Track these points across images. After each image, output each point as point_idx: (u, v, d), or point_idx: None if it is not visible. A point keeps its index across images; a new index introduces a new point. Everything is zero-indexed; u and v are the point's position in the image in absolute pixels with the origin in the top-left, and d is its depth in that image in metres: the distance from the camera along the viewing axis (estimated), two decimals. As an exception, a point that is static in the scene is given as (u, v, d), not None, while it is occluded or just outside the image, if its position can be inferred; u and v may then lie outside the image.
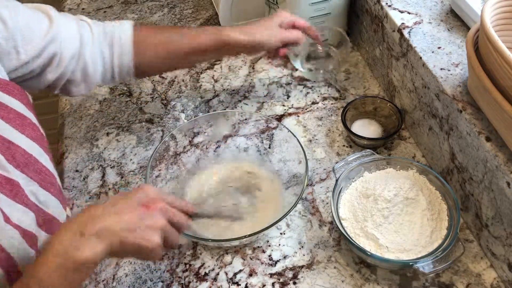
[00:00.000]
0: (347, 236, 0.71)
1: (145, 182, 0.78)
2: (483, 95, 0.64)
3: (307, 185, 0.83)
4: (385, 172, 0.78)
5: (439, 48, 0.79)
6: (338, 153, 0.89)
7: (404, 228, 0.71)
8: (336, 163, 0.78)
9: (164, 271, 0.75)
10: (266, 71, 1.05)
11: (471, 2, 0.78)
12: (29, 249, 0.58)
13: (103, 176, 0.88)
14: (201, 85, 1.03)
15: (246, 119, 0.87)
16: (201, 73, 1.05)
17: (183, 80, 1.04)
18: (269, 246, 0.77)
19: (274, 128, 0.85)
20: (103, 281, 0.75)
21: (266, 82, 1.02)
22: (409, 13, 0.86)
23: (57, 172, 0.90)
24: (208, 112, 0.97)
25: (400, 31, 0.83)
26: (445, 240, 0.69)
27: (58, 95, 1.06)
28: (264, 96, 1.00)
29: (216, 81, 1.03)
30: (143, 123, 0.97)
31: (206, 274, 0.75)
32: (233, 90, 1.01)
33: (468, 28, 0.81)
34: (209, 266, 0.76)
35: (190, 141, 0.86)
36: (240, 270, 0.75)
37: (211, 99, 1.00)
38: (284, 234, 0.78)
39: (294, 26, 0.86)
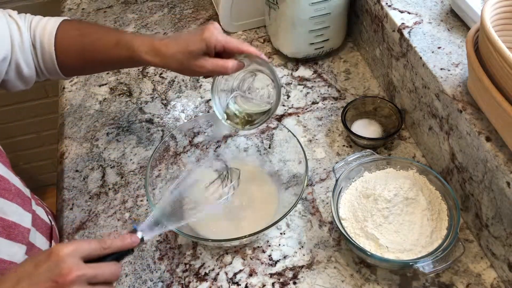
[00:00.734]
0: (347, 236, 0.71)
1: (145, 182, 0.78)
2: (483, 95, 0.64)
3: (307, 185, 0.83)
4: (385, 172, 0.78)
5: (439, 48, 0.79)
6: (338, 153, 0.89)
7: (404, 228, 0.71)
8: (336, 163, 0.78)
9: (164, 271, 0.75)
10: (266, 71, 1.05)
11: (471, 2, 0.78)
12: None
13: (103, 176, 0.88)
14: (201, 85, 1.03)
15: (246, 119, 0.87)
16: (201, 73, 1.05)
17: (183, 80, 1.04)
18: (269, 246, 0.77)
19: (274, 128, 0.85)
20: (103, 281, 0.75)
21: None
22: (409, 13, 0.86)
23: (57, 172, 0.90)
24: (208, 112, 0.97)
25: (400, 31, 0.83)
26: (445, 240, 0.69)
27: (58, 95, 1.06)
28: (264, 96, 1.00)
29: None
30: (143, 123, 0.97)
31: (206, 274, 0.75)
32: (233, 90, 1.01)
33: (468, 28, 0.81)
34: (209, 266, 0.76)
35: (190, 141, 0.86)
36: (240, 270, 0.75)
37: (211, 99, 1.00)
38: (284, 234, 0.79)
39: (224, 50, 0.71)
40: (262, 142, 0.86)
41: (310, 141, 0.91)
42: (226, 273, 0.75)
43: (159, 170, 0.81)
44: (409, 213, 0.72)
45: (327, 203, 0.82)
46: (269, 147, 0.86)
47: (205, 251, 0.77)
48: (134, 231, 0.57)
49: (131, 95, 1.03)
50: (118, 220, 0.82)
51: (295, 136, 0.80)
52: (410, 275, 0.72)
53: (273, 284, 0.73)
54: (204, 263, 0.76)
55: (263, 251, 0.77)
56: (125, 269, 0.76)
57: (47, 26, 0.75)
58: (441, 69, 0.75)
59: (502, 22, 0.65)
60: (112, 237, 0.55)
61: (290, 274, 0.74)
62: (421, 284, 0.71)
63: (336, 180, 0.75)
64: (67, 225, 0.82)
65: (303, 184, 0.75)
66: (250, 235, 0.70)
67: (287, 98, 0.99)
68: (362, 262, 0.74)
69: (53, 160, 0.94)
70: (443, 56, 0.77)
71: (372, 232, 0.71)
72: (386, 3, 0.88)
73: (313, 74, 1.04)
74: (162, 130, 0.95)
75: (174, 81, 1.04)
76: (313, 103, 0.97)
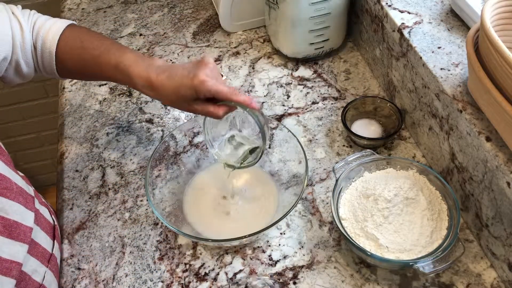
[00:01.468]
0: (347, 236, 0.71)
1: (145, 182, 0.78)
2: (483, 95, 0.64)
3: (307, 185, 0.83)
4: (385, 172, 0.78)
5: (439, 48, 0.79)
6: (338, 153, 0.89)
7: (404, 228, 0.71)
8: (336, 163, 0.78)
9: (164, 271, 0.75)
10: (266, 71, 1.05)
11: (471, 2, 0.78)
12: None
13: (103, 176, 0.88)
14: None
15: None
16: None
17: (183, 80, 1.04)
18: (269, 246, 0.77)
19: (274, 128, 0.85)
20: (103, 281, 0.75)
21: (266, 82, 1.02)
22: (409, 13, 0.86)
23: (57, 172, 0.90)
24: (208, 112, 0.97)
25: (400, 31, 0.83)
26: (445, 240, 0.69)
27: (58, 95, 1.06)
28: (264, 96, 1.00)
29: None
30: (143, 123, 0.97)
31: (206, 274, 0.75)
32: (233, 90, 1.01)
33: (468, 28, 0.81)
34: (209, 266, 0.76)
35: (190, 141, 0.86)
36: (240, 270, 0.75)
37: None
38: (284, 234, 0.79)
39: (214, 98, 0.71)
40: (262, 142, 0.86)
41: (310, 141, 0.91)
42: (226, 273, 0.75)
43: (159, 170, 0.81)
44: (409, 213, 0.72)
45: (327, 203, 0.82)
46: (269, 147, 0.86)
47: (205, 251, 0.77)
48: None
49: (131, 95, 1.03)
50: (118, 220, 0.82)
51: (295, 136, 0.80)
52: (410, 275, 0.72)
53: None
54: (204, 263, 0.76)
55: (263, 251, 0.77)
56: (125, 269, 0.76)
57: (50, 31, 0.75)
58: (441, 69, 0.75)
59: (502, 22, 0.65)
60: None
61: (290, 274, 0.74)
62: (421, 284, 0.71)
63: (336, 180, 0.75)
64: (67, 225, 0.82)
65: (303, 184, 0.75)
66: (250, 235, 0.70)
67: (287, 98, 0.99)
68: (362, 262, 0.74)
69: (53, 160, 0.94)
70: (443, 56, 0.77)
71: (372, 232, 0.71)
72: (386, 3, 0.88)
73: (313, 74, 1.04)
74: (162, 130, 0.95)
75: (174, 81, 1.04)
76: (313, 103, 0.97)
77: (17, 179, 0.66)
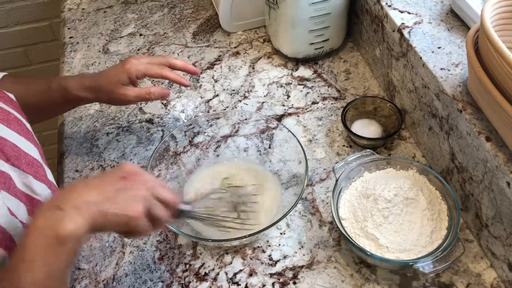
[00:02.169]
0: (347, 236, 0.71)
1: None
2: (483, 95, 0.64)
3: (307, 185, 0.83)
4: (385, 172, 0.78)
5: (439, 48, 0.79)
6: (338, 153, 0.89)
7: (404, 228, 0.71)
8: (336, 163, 0.78)
9: (164, 271, 0.75)
10: (266, 71, 1.05)
11: (471, 2, 0.78)
12: None
13: (103, 176, 0.88)
14: (201, 85, 1.03)
15: (246, 119, 0.87)
16: (201, 73, 1.05)
17: (183, 80, 1.04)
18: (269, 246, 0.77)
19: (274, 128, 0.85)
20: (103, 281, 0.75)
21: (266, 82, 1.02)
22: (409, 13, 0.86)
23: (57, 172, 0.90)
24: (208, 112, 0.97)
25: (400, 31, 0.83)
26: (445, 240, 0.69)
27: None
28: (264, 96, 1.00)
29: (216, 81, 1.03)
30: (143, 123, 0.97)
31: (206, 274, 0.75)
32: (233, 90, 1.01)
33: (468, 28, 0.81)
34: (209, 266, 0.76)
35: (190, 141, 0.86)
36: (240, 270, 0.75)
37: (211, 99, 1.00)
38: (284, 234, 0.79)
39: (146, 76, 0.80)
40: (262, 142, 0.86)
41: (310, 141, 0.91)
42: (226, 273, 0.75)
43: (159, 170, 0.81)
44: (409, 213, 0.72)
45: (327, 203, 0.82)
46: (269, 147, 0.86)
47: (205, 251, 0.77)
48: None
49: (131, 95, 1.02)
50: (118, 220, 0.82)
51: (295, 136, 0.80)
52: (410, 275, 0.72)
53: (273, 284, 0.73)
54: (204, 263, 0.76)
55: (263, 251, 0.77)
56: (125, 269, 0.76)
57: None
58: (441, 69, 0.75)
59: (502, 22, 0.65)
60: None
61: (290, 274, 0.74)
62: (421, 284, 0.71)
63: (336, 180, 0.75)
64: (67, 225, 0.82)
65: (303, 184, 0.75)
66: (250, 235, 0.70)
67: (287, 98, 0.99)
68: (362, 262, 0.74)
69: (53, 160, 0.94)
70: (443, 56, 0.77)
71: (372, 232, 0.71)
72: (386, 3, 0.88)
73: (313, 74, 1.04)
74: (162, 130, 0.95)
75: (174, 81, 1.04)
76: (313, 103, 0.97)
77: (48, 173, 0.68)
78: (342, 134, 0.91)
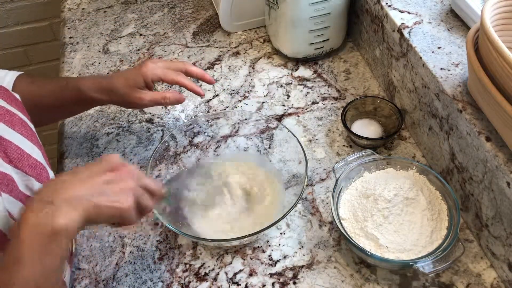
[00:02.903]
0: (347, 236, 0.71)
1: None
2: (483, 95, 0.64)
3: (307, 185, 0.83)
4: (385, 172, 0.78)
5: (439, 48, 0.79)
6: (338, 153, 0.89)
7: (404, 228, 0.71)
8: (336, 163, 0.78)
9: (164, 271, 0.75)
10: (266, 71, 1.05)
11: (471, 2, 0.78)
12: None
13: (103, 176, 0.88)
14: (201, 85, 1.03)
15: (246, 119, 0.87)
16: (201, 73, 1.05)
17: (183, 80, 1.04)
18: (269, 246, 0.77)
19: (274, 128, 0.85)
20: (103, 281, 0.75)
21: (266, 82, 1.02)
22: (409, 13, 0.86)
23: (57, 172, 0.90)
24: (208, 112, 0.97)
25: (400, 31, 0.83)
26: (445, 240, 0.69)
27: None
28: (264, 96, 1.00)
29: (216, 81, 1.03)
30: (143, 123, 0.97)
31: (206, 274, 0.75)
32: (233, 90, 1.01)
33: (468, 28, 0.81)
34: (209, 266, 0.76)
35: (190, 141, 0.86)
36: (240, 270, 0.75)
37: (211, 99, 1.00)
38: (284, 234, 0.79)
39: (163, 82, 0.80)
40: (262, 142, 0.86)
41: (310, 141, 0.91)
42: (226, 273, 0.75)
43: (159, 170, 0.81)
44: (409, 213, 0.72)
45: (327, 203, 0.82)
46: (269, 147, 0.86)
47: (205, 251, 0.77)
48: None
49: (131, 95, 1.02)
50: (118, 220, 0.82)
51: (295, 136, 0.80)
52: (410, 275, 0.72)
53: (273, 284, 0.73)
54: (204, 263, 0.76)
55: (263, 251, 0.77)
56: (125, 269, 0.76)
57: (4, 80, 0.76)
58: (441, 69, 0.75)
59: (502, 22, 0.65)
60: None
61: (290, 274, 0.74)
62: (421, 284, 0.71)
63: (336, 180, 0.75)
64: (67, 225, 0.82)
65: (303, 184, 0.75)
66: (250, 235, 0.70)
67: (287, 98, 0.99)
68: (362, 262, 0.74)
69: (53, 160, 0.94)
70: (443, 56, 0.77)
71: (372, 232, 0.71)
72: (386, 3, 0.88)
73: (313, 74, 1.04)
74: (162, 130, 0.95)
75: (174, 81, 1.04)
76: (313, 103, 0.97)
77: (51, 174, 0.68)
78: (342, 134, 0.91)
